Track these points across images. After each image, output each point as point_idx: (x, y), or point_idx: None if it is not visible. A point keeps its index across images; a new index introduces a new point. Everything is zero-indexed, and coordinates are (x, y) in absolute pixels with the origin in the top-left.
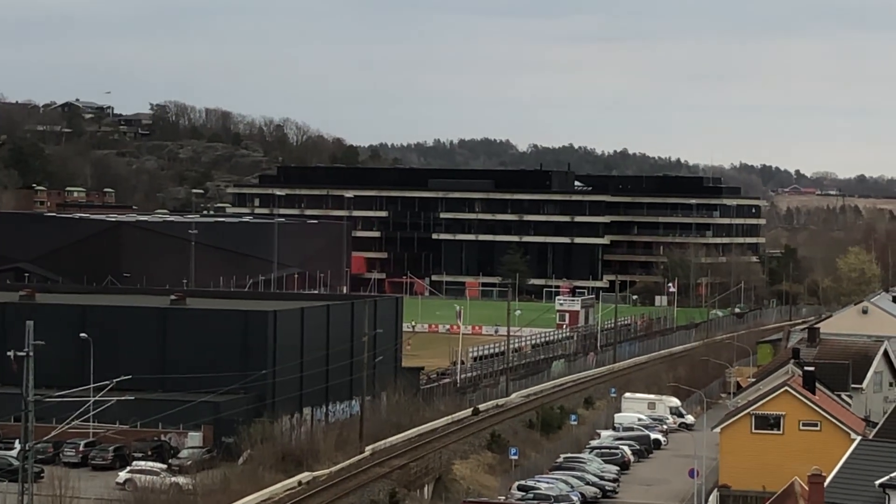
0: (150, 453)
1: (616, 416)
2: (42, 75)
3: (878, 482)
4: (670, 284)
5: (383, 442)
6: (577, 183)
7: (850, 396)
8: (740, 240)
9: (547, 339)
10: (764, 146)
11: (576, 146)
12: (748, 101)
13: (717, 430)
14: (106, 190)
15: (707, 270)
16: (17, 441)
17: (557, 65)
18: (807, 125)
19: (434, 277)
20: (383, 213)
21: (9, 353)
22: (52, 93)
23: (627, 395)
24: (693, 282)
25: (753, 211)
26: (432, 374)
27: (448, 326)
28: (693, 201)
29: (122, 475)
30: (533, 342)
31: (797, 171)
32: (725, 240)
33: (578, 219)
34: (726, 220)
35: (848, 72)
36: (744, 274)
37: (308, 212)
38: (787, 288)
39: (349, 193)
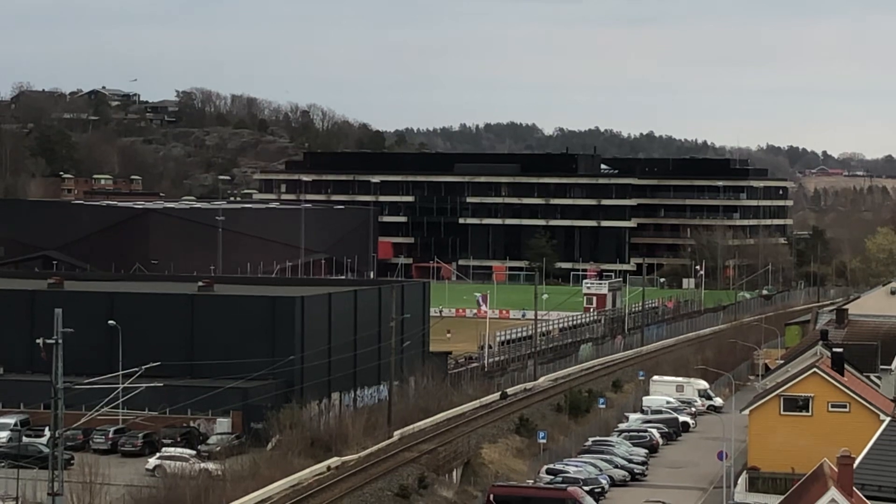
0: (179, 440)
1: (644, 399)
2: (68, 63)
3: None
4: (698, 267)
5: (412, 427)
6: (603, 166)
7: (878, 378)
8: (768, 221)
9: (574, 322)
10: (791, 127)
11: (602, 129)
12: (775, 83)
13: (746, 412)
14: (133, 177)
15: (734, 252)
16: (46, 428)
17: (583, 48)
18: (834, 106)
19: (461, 262)
20: (410, 198)
21: (38, 341)
22: (79, 80)
23: (655, 378)
24: (720, 264)
25: (780, 192)
26: (460, 358)
27: (475, 311)
28: (720, 183)
29: (152, 461)
30: (560, 326)
31: (824, 153)
32: (753, 222)
33: (605, 202)
34: (753, 202)
35: (876, 52)
36: (771, 256)
37: (334, 197)
38: (814, 269)
39: (375, 179)
